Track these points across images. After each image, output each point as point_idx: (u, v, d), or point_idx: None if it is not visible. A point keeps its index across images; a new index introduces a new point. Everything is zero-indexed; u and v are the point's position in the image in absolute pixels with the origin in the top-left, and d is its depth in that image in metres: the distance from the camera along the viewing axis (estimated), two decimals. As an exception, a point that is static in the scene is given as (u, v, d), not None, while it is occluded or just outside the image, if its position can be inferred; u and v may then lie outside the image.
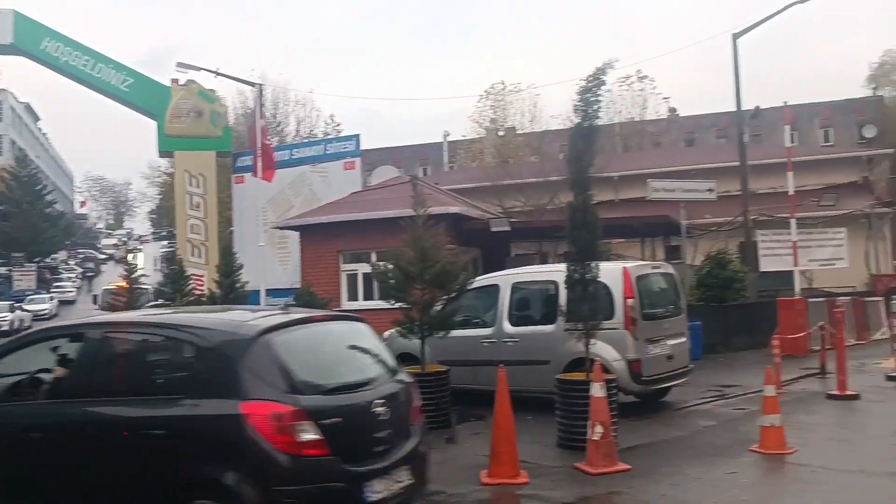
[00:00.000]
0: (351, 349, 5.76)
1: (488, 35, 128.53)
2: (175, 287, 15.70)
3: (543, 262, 21.22)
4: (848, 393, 11.71)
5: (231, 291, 14.29)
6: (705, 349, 17.45)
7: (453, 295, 11.16)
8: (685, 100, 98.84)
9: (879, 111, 51.97)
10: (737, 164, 22.03)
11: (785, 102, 19.61)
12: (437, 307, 10.92)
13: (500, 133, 45.47)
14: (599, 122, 9.53)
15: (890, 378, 13.26)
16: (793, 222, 18.57)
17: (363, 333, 5.96)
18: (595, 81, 9.20)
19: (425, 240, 10.65)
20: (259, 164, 18.44)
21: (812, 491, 7.05)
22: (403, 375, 5.95)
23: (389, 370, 5.81)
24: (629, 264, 11.61)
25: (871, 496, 6.81)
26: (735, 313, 19.24)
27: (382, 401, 5.24)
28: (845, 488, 7.03)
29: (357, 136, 24.44)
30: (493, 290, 12.08)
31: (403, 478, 5.29)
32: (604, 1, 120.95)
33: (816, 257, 21.03)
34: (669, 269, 12.36)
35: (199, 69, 22.83)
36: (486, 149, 44.77)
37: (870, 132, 49.19)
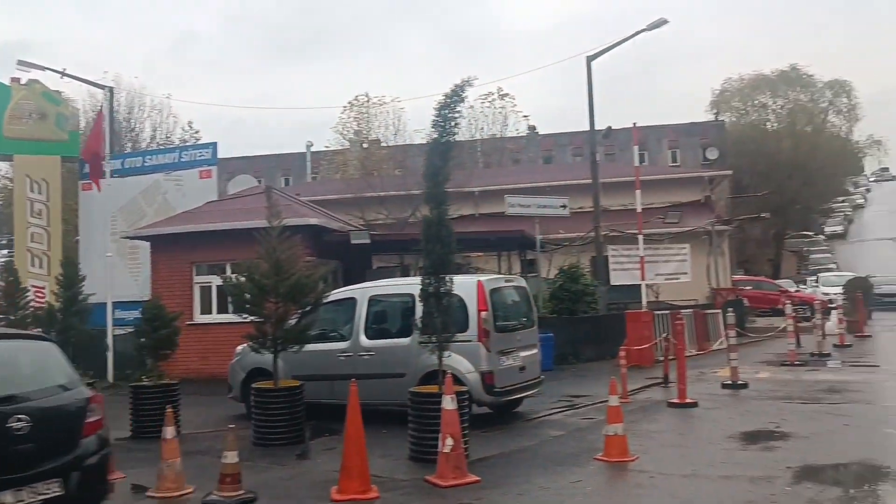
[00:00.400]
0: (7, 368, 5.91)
1: (355, 46, 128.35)
2: (10, 300, 14.69)
3: (405, 274, 21.28)
4: (687, 401, 12.34)
5: (72, 304, 13.52)
6: (557, 360, 18.00)
7: (309, 308, 11.00)
8: (546, 119, 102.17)
9: (721, 135, 55.51)
10: (590, 181, 22.87)
11: (634, 124, 20.53)
12: (293, 321, 10.73)
13: (365, 145, 45.41)
14: (456, 138, 9.65)
15: (725, 386, 14.09)
16: (640, 238, 19.45)
17: (35, 351, 6.21)
18: (453, 98, 9.33)
19: (280, 252, 10.46)
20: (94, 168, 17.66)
21: (649, 496, 7.36)
22: (78, 391, 6.13)
23: (58, 386, 6.00)
24: (483, 277, 11.81)
25: (700, 498, 7.18)
26: (586, 325, 19.94)
27: (23, 416, 5.39)
28: (678, 492, 7.38)
29: (214, 143, 23.72)
30: (350, 303, 12.00)
31: (50, 490, 5.46)
32: (472, 20, 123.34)
33: (662, 272, 22.12)
34: (522, 283, 12.68)
35: (43, 69, 21.54)
36: (349, 160, 44.57)
37: (712, 154, 52.43)
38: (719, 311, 22.07)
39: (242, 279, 10.57)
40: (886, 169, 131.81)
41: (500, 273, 21.39)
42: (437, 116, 9.17)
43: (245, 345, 11.30)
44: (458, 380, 10.36)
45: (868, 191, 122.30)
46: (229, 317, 15.61)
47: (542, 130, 58.33)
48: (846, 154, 61.84)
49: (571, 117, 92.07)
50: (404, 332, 11.22)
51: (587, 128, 22.89)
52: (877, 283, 36.73)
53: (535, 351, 12.05)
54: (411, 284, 10.86)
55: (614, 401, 8.84)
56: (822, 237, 76.50)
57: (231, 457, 7.43)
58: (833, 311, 25.12)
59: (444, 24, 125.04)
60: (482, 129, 50.45)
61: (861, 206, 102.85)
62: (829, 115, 60.92)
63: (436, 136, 9.22)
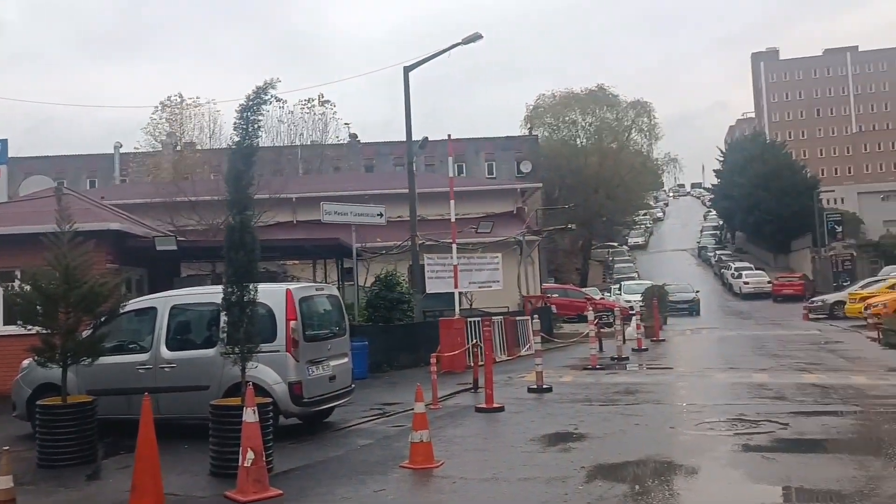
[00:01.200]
0: None
1: (177, 47, 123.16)
2: None
3: (216, 282, 20.52)
4: (494, 406, 12.66)
5: None
6: (372, 368, 17.98)
7: (104, 319, 10.32)
8: (371, 128, 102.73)
9: (534, 149, 57.86)
10: (407, 191, 23.07)
11: (449, 136, 20.92)
12: (87, 332, 10.03)
13: (178, 148, 43.52)
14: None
15: (531, 390, 14.61)
16: (454, 247, 19.84)
17: None
18: (256, 100, 9.08)
19: (71, 258, 9.74)
20: None
21: (449, 501, 7.46)
22: None
23: None
24: (293, 286, 11.57)
25: (498, 502, 7.35)
26: (401, 333, 20.08)
27: None
28: (478, 496, 7.53)
29: (4, 140, 21.84)
30: (151, 312, 11.38)
31: None
32: (301, 26, 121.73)
33: (475, 280, 22.66)
34: (333, 291, 12.55)
35: None
36: (161, 163, 42.55)
37: (526, 167, 54.52)
38: (528, 317, 22.88)
39: (27, 288, 9.75)
40: (682, 185, 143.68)
41: (316, 281, 21.13)
42: (239, 119, 8.90)
43: (30, 359, 10.43)
44: (264, 391, 10.10)
45: (666, 205, 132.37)
46: (17, 329, 14.41)
47: (365, 139, 58.47)
48: (647, 171, 66.11)
49: (397, 127, 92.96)
50: (209, 342, 10.78)
51: (405, 137, 23.10)
52: (671, 291, 39.62)
53: (346, 360, 11.93)
54: (216, 293, 10.43)
55: (420, 408, 8.90)
56: (625, 248, 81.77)
57: (4, 482, 6.79)
58: (633, 318, 26.78)
59: (271, 28, 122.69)
60: (302, 134, 49.85)
61: (660, 220, 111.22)
62: (632, 133, 64.96)
63: (238, 139, 8.94)
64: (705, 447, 9.43)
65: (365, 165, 54.53)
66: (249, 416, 7.63)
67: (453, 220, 19.74)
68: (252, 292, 8.78)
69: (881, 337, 23.00)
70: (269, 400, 9.26)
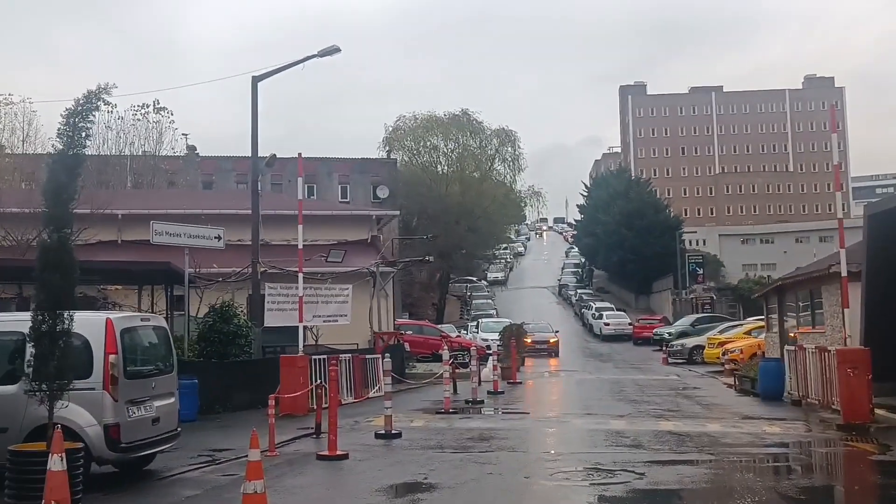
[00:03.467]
0: None
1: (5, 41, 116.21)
2: None
3: (23, 308, 19.39)
4: (338, 453, 12.54)
5: None
6: (203, 409, 17.46)
7: None
8: (212, 141, 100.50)
9: (392, 174, 58.34)
10: (249, 212, 22.69)
11: (299, 154, 20.74)
12: None
13: (-17, 150, 40.90)
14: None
15: (379, 436, 14.58)
16: (300, 276, 19.63)
17: None
18: (86, 105, 8.75)
19: None
20: None
21: (286, 560, 7.32)
22: None
23: None
24: (114, 315, 11.11)
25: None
26: (237, 370, 19.64)
27: None
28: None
29: None
30: (-60, 342, 10.58)
31: None
32: (147, 26, 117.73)
33: (321, 313, 22.49)
34: (161, 322, 12.17)
35: None
36: (-38, 168, 39.83)
37: (382, 193, 54.84)
38: (380, 356, 22.88)
39: None
40: (545, 220, 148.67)
41: (142, 310, 20.36)
42: (64, 125, 8.55)
43: None
44: (75, 434, 9.60)
45: (528, 239, 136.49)
46: None
47: (205, 152, 57.09)
48: (510, 202, 67.97)
49: (243, 143, 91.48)
50: (10, 377, 10.13)
51: (251, 153, 22.76)
52: (529, 330, 40.71)
53: (172, 400, 11.53)
54: (21, 321, 9.86)
55: (255, 455, 8.68)
56: (484, 283, 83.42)
57: None
58: (490, 358, 27.30)
59: (109, 26, 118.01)
60: (133, 143, 48.05)
61: (521, 254, 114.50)
62: (496, 163, 66.60)
63: (62, 147, 8.56)
64: (560, 498, 9.71)
65: (203, 182, 53.21)
66: (56, 463, 7.23)
67: (301, 246, 19.56)
68: (66, 321, 8.39)
69: (737, 383, 24.49)
70: (80, 445, 8.83)
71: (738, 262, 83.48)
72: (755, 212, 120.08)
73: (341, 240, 32.31)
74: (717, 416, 18.04)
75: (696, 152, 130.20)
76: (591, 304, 65.53)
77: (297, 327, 19.72)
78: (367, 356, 23.45)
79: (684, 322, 48.78)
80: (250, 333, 20.89)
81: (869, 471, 12.07)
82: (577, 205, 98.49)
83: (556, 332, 47.02)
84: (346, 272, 27.54)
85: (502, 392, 23.80)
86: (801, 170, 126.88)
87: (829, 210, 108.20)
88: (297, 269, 20.00)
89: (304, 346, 19.58)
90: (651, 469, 11.35)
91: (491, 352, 28.25)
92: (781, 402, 20.40)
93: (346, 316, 23.28)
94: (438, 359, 25.30)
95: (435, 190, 60.40)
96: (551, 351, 44.39)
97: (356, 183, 56.41)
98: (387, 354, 18.15)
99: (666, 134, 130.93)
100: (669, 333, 45.43)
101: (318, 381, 17.47)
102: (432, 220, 58.71)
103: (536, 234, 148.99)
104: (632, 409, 19.42)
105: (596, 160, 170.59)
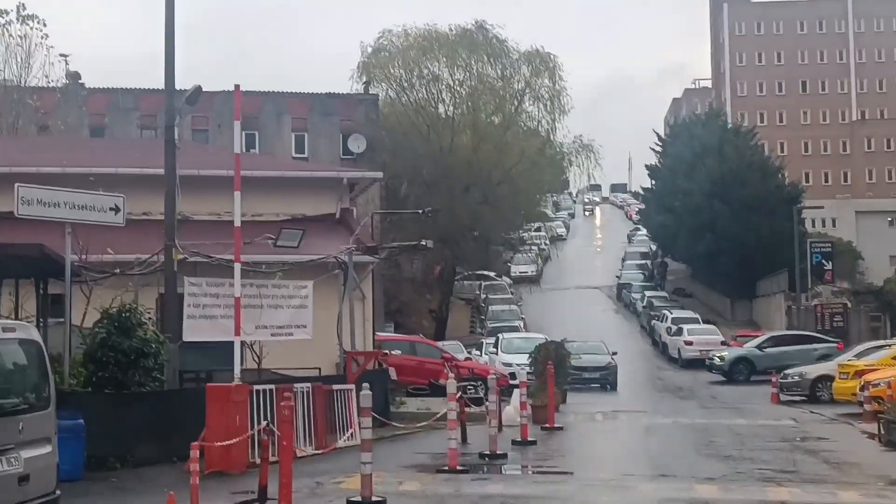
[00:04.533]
0: None
1: None
2: None
3: None
4: (292, 528, 12.62)
5: None
6: (91, 463, 17.57)
7: None
8: (102, 65, 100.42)
9: (372, 116, 58.12)
10: (163, 172, 22.69)
11: (237, 86, 20.68)
12: None
13: None
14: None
15: (352, 504, 14.64)
16: (237, 268, 19.63)
17: None
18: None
19: None
20: None
21: None
22: None
23: None
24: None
25: None
26: (143, 406, 19.66)
27: None
28: None
29: None
30: None
31: None
32: None
33: (268, 323, 22.50)
34: (30, 334, 12.23)
35: None
36: None
37: (357, 144, 54.73)
38: (353, 386, 22.87)
39: None
40: (598, 187, 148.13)
41: (1, 316, 20.39)
42: None
43: None
44: None
45: (572, 216, 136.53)
46: None
47: (93, 83, 56.97)
48: (546, 161, 67.54)
49: (153, 69, 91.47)
50: None
51: (163, 85, 22.76)
52: (576, 352, 40.69)
53: (48, 449, 11.63)
54: None
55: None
56: (507, 281, 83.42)
57: None
58: (515, 391, 27.27)
59: None
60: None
61: (562, 239, 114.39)
62: (526, 102, 66.23)
63: None
64: None
65: (92, 126, 53.19)
66: None
67: (238, 223, 19.55)
68: None
69: (882, 433, 24.48)
70: None
71: (885, 251, 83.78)
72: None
73: (297, 214, 32.23)
74: (853, 481, 18.06)
75: (823, 89, 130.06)
76: (666, 313, 65.58)
77: (232, 343, 19.72)
78: (335, 387, 23.45)
79: (753, 343, 51.34)
80: (162, 352, 20.92)
81: None
82: (647, 165, 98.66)
83: (614, 353, 47.06)
84: (304, 262, 27.51)
85: (534, 442, 23.80)
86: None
87: None
88: (231, 257, 19.97)
89: (241, 371, 19.56)
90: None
91: (517, 382, 28.22)
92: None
93: (304, 327, 23.26)
94: (439, 392, 25.35)
95: (435, 142, 60.07)
96: (606, 381, 44.37)
97: (318, 130, 56.29)
98: (364, 385, 18.19)
99: (779, 60, 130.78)
100: (720, 358, 48.81)
101: (264, 423, 17.49)
102: (430, 186, 58.60)
103: (585, 208, 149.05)
104: (727, 470, 19.44)
105: (675, 99, 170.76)
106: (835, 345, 47.84)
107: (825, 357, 43.34)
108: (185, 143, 34.06)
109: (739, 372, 48.32)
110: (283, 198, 32.76)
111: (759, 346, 49.56)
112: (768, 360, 47.31)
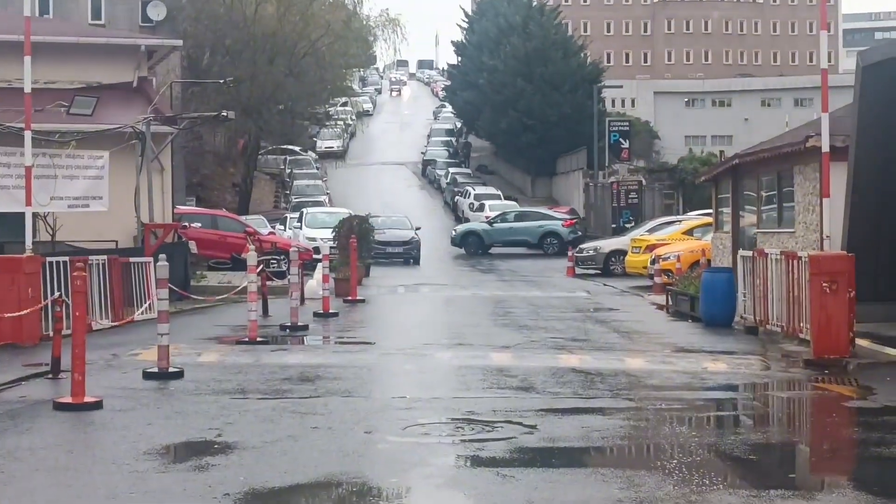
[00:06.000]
0: None
1: None
2: None
3: None
4: (87, 400, 12.45)
5: None
6: None
7: None
8: None
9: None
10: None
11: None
12: None
13: None
14: None
15: (149, 375, 14.55)
16: (27, 136, 19.07)
17: None
18: None
19: None
20: None
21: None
22: None
23: None
24: None
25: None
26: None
27: None
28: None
29: None
30: None
31: None
32: None
33: (62, 194, 22.02)
34: None
35: None
36: None
37: (157, 11, 53.17)
38: (150, 259, 22.59)
39: None
40: (405, 63, 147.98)
41: None
42: None
43: None
44: None
45: (378, 92, 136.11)
46: None
47: None
48: (352, 35, 66.99)
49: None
50: None
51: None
52: (379, 226, 41.06)
53: None
54: None
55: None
56: (311, 155, 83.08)
57: None
58: (318, 265, 27.41)
59: None
60: None
61: (367, 114, 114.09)
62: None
63: None
64: (416, 460, 9.97)
65: None
66: None
67: (28, 90, 18.94)
68: None
69: (670, 303, 25.54)
70: None
71: (680, 131, 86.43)
72: (707, 60, 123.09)
73: (92, 82, 31.33)
74: (640, 349, 18.85)
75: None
76: (469, 189, 66.42)
77: (23, 215, 19.24)
78: (132, 260, 23.16)
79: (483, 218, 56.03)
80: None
81: (843, 422, 12.90)
82: (453, 42, 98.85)
83: (418, 228, 47.56)
84: (99, 131, 26.82)
85: (336, 314, 24.09)
86: (774, 1, 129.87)
87: (811, 61, 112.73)
88: (22, 125, 19.37)
89: (34, 243, 19.12)
90: (546, 420, 11.78)
91: (320, 256, 28.32)
92: (731, 329, 21.47)
93: (100, 199, 22.88)
94: (242, 266, 25.21)
95: (239, 10, 58.90)
96: (409, 256, 44.97)
97: (116, -5, 54.47)
98: (162, 256, 17.94)
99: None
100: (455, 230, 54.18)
101: (57, 295, 17.13)
102: (234, 56, 57.54)
103: (392, 85, 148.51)
104: (521, 339, 20.02)
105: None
106: (561, 222, 50.93)
107: (550, 234, 48.47)
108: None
109: (469, 245, 51.22)
110: (77, 65, 31.76)
111: (489, 222, 52.54)
112: (496, 234, 51.24)
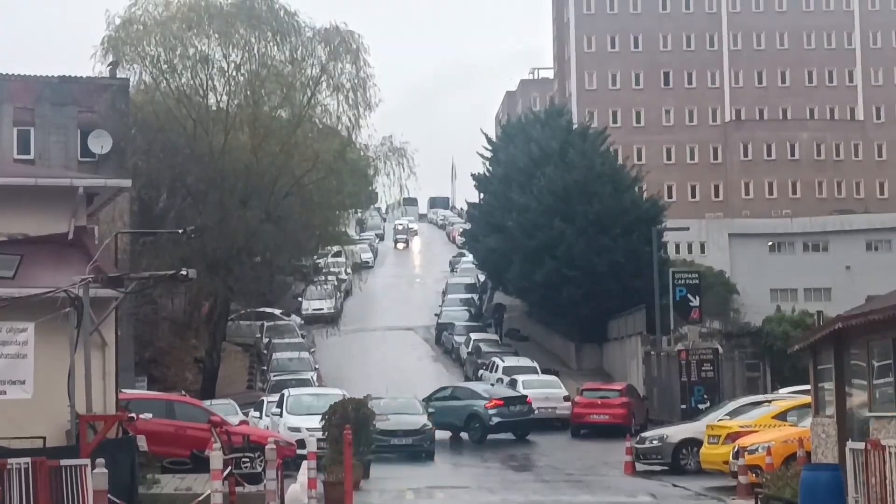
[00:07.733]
0: None
1: None
2: None
3: None
4: None
5: None
6: None
7: None
8: None
9: (119, 107, 57.05)
10: None
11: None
12: None
13: None
14: None
15: None
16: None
17: None
18: None
19: None
20: None
21: None
22: None
23: None
24: None
25: None
26: None
27: None
28: None
29: None
30: None
31: None
32: None
33: (-27, 378, 21.84)
34: None
35: None
36: None
37: (100, 144, 53.72)
38: (87, 461, 22.31)
39: None
40: (413, 202, 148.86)
41: None
42: None
43: None
44: None
45: (380, 238, 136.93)
46: None
47: None
48: (348, 168, 67.21)
49: None
50: None
51: None
52: (381, 411, 40.62)
53: None
54: None
55: None
56: (296, 320, 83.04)
57: None
58: (304, 464, 27.04)
59: None
60: None
61: (367, 266, 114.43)
62: (323, 93, 65.90)
63: None
64: None
65: None
66: None
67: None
68: None
69: (759, 511, 24.97)
70: None
71: (764, 284, 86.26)
72: (794, 193, 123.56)
73: (15, 234, 31.47)
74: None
75: (689, 82, 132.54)
76: (497, 361, 65.97)
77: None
78: (63, 463, 22.83)
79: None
80: None
81: None
82: (473, 175, 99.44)
83: (432, 412, 47.12)
84: (23, 298, 26.82)
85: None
86: (878, 118, 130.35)
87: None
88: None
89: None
90: None
91: (305, 452, 27.98)
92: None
93: (22, 383, 22.73)
94: (204, 465, 24.89)
95: (203, 141, 59.39)
96: (420, 449, 44.36)
97: (49, 124, 55.29)
98: (100, 461, 17.68)
99: (635, 46, 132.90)
100: None
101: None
102: (197, 198, 58.01)
103: (398, 236, 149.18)
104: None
105: (508, 92, 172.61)
106: (484, 402, 51.44)
107: (473, 417, 49.55)
108: None
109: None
110: (5, 210, 31.93)
111: (426, 399, 51.96)
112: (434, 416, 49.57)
